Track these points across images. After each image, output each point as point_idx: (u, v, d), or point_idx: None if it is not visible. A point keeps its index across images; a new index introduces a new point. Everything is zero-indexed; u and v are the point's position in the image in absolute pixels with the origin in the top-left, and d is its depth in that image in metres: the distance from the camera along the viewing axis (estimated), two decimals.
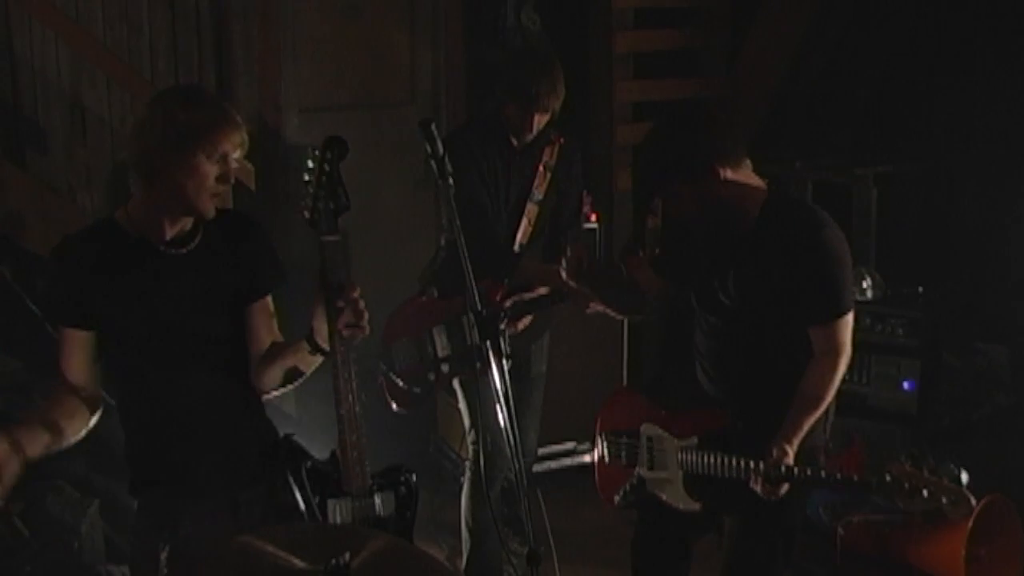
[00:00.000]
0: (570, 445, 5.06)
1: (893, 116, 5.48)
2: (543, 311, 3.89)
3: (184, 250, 2.56)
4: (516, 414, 4.07)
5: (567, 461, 5.06)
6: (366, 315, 2.47)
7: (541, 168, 3.90)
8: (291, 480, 2.54)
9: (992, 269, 5.11)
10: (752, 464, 2.78)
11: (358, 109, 5.40)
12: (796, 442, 2.78)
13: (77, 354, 2.54)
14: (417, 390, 3.83)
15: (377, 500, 2.54)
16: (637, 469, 3.17)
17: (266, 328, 2.70)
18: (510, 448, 2.44)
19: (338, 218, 2.45)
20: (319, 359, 2.59)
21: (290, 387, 2.74)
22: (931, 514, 3.27)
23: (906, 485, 2.56)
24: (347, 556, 2.41)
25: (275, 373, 2.68)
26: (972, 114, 5.18)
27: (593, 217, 5.23)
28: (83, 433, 2.55)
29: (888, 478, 2.60)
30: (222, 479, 2.58)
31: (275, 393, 2.73)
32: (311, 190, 2.43)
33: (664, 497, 3.09)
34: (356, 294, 2.44)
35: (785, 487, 2.75)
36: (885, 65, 5.54)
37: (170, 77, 5.00)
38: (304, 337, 2.58)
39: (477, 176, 3.75)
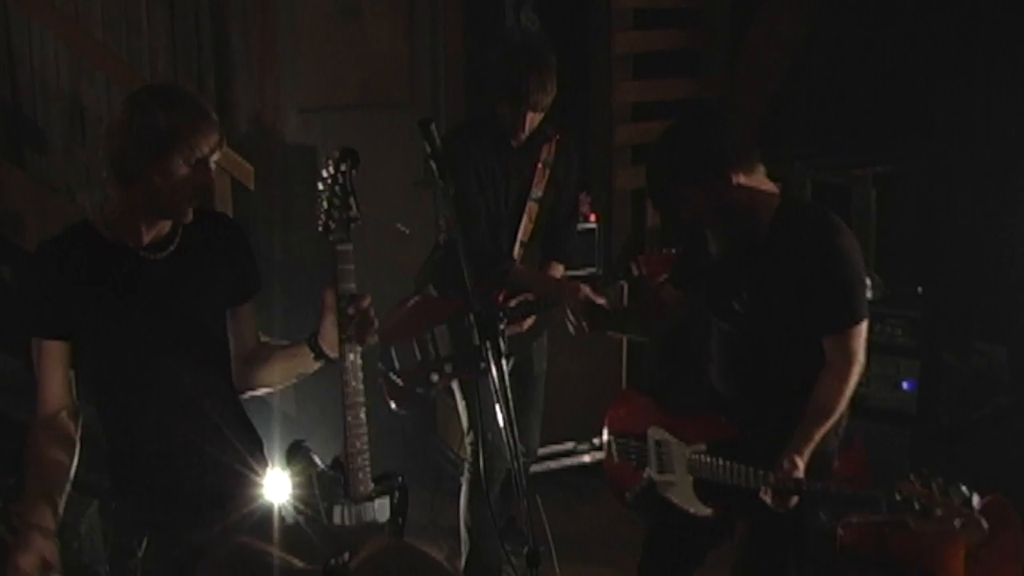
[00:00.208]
0: (570, 445, 5.06)
1: (893, 116, 5.49)
2: (545, 311, 3.89)
3: (163, 255, 2.51)
4: (519, 413, 4.08)
5: (567, 461, 5.06)
6: (376, 323, 2.48)
7: (540, 165, 3.89)
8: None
9: (991, 269, 5.12)
10: (762, 473, 2.74)
11: (358, 109, 5.40)
12: (807, 453, 2.74)
13: (56, 367, 2.47)
14: (420, 390, 3.82)
15: (376, 506, 2.55)
16: (647, 471, 3.15)
17: (249, 329, 2.69)
18: (509, 449, 2.44)
19: (350, 227, 2.45)
20: (319, 364, 2.59)
21: (278, 387, 2.73)
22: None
23: (916, 505, 2.50)
24: (347, 556, 2.42)
25: (269, 374, 2.68)
26: (972, 114, 5.18)
27: (593, 217, 5.24)
28: (76, 461, 2.51)
29: (898, 497, 2.53)
30: (205, 480, 2.55)
31: (260, 392, 2.73)
32: (326, 200, 2.43)
33: (675, 500, 3.08)
34: (367, 303, 2.45)
35: (795, 500, 2.71)
36: (885, 65, 5.55)
37: (170, 77, 5.00)
38: (306, 341, 2.58)
39: (474, 178, 3.74)
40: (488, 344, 2.43)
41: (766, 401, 2.92)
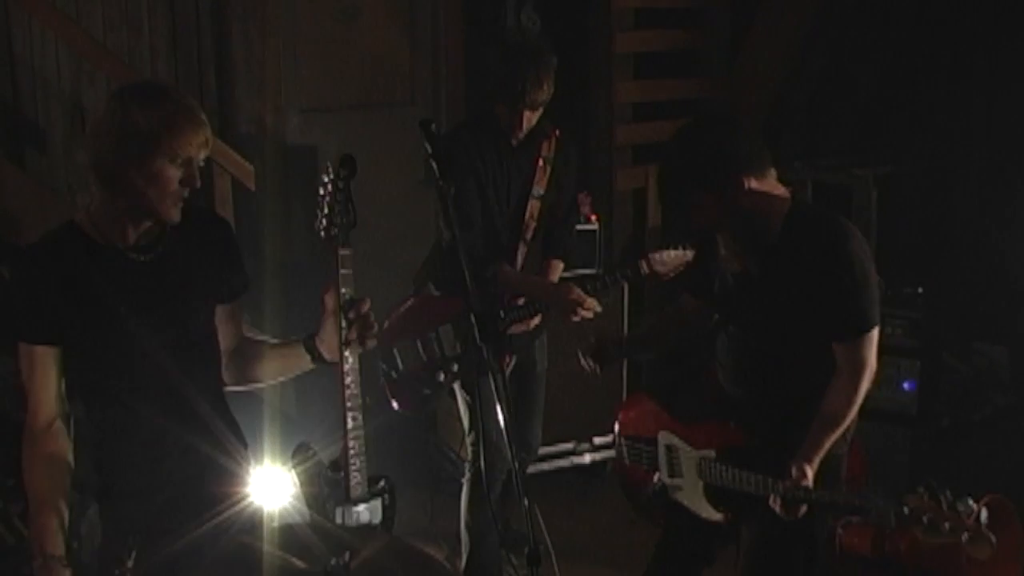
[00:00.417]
0: (570, 445, 5.06)
1: (893, 116, 5.49)
2: (547, 310, 3.90)
3: (151, 255, 2.47)
4: (523, 411, 4.10)
5: (567, 461, 5.06)
6: (375, 327, 2.48)
7: (540, 163, 3.89)
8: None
9: (992, 269, 5.12)
10: (771, 482, 2.72)
11: (358, 109, 5.40)
12: (816, 462, 2.72)
13: (48, 373, 2.41)
14: (427, 391, 3.81)
15: (370, 508, 2.57)
16: (658, 475, 3.14)
17: (236, 325, 2.68)
18: (510, 449, 2.44)
19: (349, 232, 2.46)
20: (313, 365, 2.60)
21: (264, 385, 2.73)
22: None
23: (924, 519, 2.48)
24: (347, 556, 2.42)
25: (260, 372, 2.68)
26: (972, 114, 5.18)
27: (593, 217, 5.23)
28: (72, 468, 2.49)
29: (906, 511, 2.51)
30: (197, 482, 2.54)
31: (244, 388, 2.72)
32: (327, 206, 2.44)
33: (686, 504, 3.06)
34: (367, 307, 2.46)
35: (804, 508, 2.69)
36: (885, 65, 5.55)
37: (170, 78, 5.00)
38: (301, 342, 2.58)
39: (471, 180, 3.74)
40: (488, 344, 2.43)
41: (776, 406, 2.90)
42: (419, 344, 3.83)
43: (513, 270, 3.86)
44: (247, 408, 2.83)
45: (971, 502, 2.48)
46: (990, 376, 4.88)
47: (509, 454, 2.48)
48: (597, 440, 5.09)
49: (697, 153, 2.81)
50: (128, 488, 2.51)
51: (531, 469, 4.55)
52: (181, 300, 2.51)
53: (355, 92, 5.42)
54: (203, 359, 2.58)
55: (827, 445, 2.76)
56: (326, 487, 2.55)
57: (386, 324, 3.88)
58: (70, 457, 2.47)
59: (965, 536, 2.49)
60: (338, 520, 2.53)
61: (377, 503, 2.59)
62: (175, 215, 2.43)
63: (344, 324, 2.45)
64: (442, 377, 3.77)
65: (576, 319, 3.76)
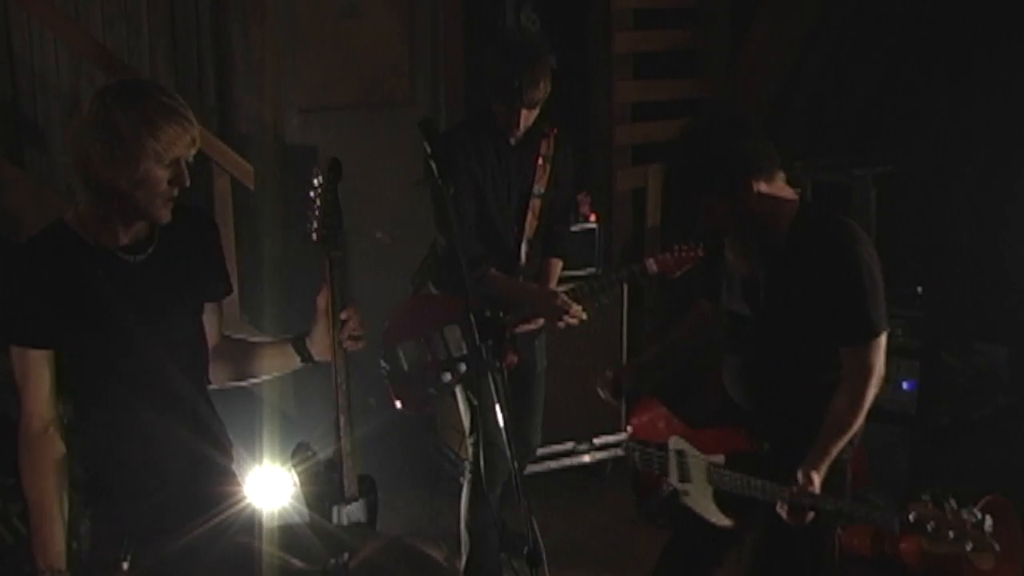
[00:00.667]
0: (570, 445, 5.06)
1: (892, 116, 5.48)
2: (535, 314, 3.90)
3: (142, 256, 2.45)
4: (524, 411, 4.11)
5: (567, 461, 5.06)
6: (362, 331, 2.53)
7: (540, 161, 3.89)
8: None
9: (991, 269, 5.11)
10: (778, 488, 2.71)
11: (358, 109, 5.40)
12: (823, 468, 2.70)
13: (42, 377, 2.37)
14: (432, 391, 3.80)
15: (360, 506, 2.60)
16: (668, 480, 3.14)
17: (219, 324, 2.69)
18: (510, 449, 2.44)
19: (339, 235, 2.49)
20: (302, 365, 2.63)
21: (252, 383, 2.74)
22: None
23: (929, 527, 2.47)
24: (346, 556, 2.42)
25: (249, 369, 2.69)
26: (971, 114, 5.18)
27: (593, 217, 5.23)
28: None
29: (911, 518, 2.50)
30: (191, 482, 2.54)
31: (229, 385, 2.73)
32: (318, 210, 2.46)
33: (696, 509, 3.06)
34: (355, 311, 2.50)
35: (811, 515, 2.68)
36: (884, 65, 5.54)
37: (170, 77, 5.00)
38: (290, 341, 2.60)
39: (467, 181, 3.73)
40: (488, 344, 2.44)
41: (782, 411, 2.89)
42: (425, 344, 3.81)
43: (500, 274, 3.83)
44: (246, 407, 2.84)
45: (976, 510, 2.47)
46: (990, 376, 4.88)
47: (509, 454, 2.48)
48: (597, 440, 5.09)
49: (707, 156, 2.80)
50: (121, 489, 2.49)
51: (531, 469, 4.55)
52: (172, 300, 2.50)
53: (355, 92, 5.42)
54: (194, 359, 2.58)
55: (834, 452, 2.74)
56: (325, 487, 2.56)
57: (388, 324, 3.87)
58: (66, 460, 2.46)
59: (969, 544, 2.47)
60: (334, 519, 2.55)
61: (363, 502, 2.62)
62: (166, 215, 2.40)
63: (337, 325, 2.48)
64: (448, 378, 3.76)
65: (562, 325, 3.78)
